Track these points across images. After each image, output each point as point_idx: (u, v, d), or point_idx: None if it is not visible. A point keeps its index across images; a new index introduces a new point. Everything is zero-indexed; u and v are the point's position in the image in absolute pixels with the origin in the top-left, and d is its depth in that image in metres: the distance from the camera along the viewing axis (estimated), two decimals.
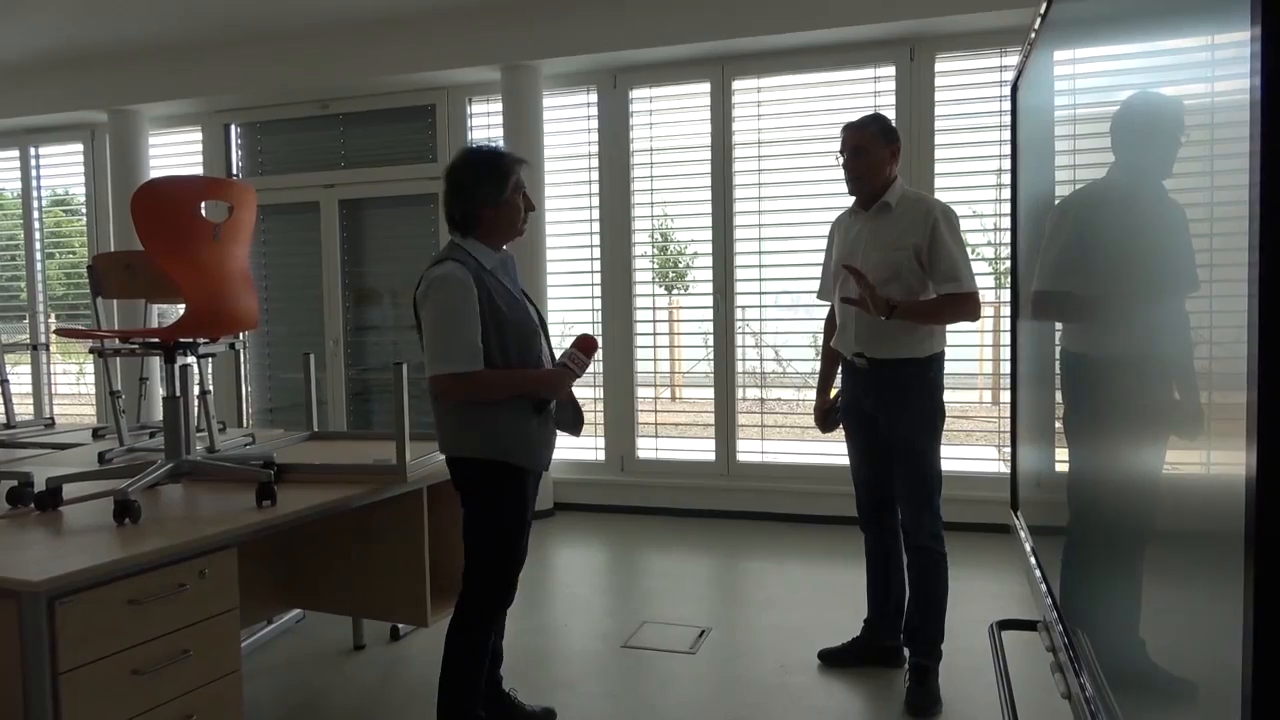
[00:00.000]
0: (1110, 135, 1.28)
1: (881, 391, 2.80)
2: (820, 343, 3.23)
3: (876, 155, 2.77)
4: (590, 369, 2.53)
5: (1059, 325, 1.79)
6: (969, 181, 4.82)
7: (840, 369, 3.00)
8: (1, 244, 6.87)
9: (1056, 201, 1.78)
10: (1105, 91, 1.38)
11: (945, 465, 2.86)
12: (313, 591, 3.17)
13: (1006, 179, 4.73)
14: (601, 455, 5.52)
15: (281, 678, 3.13)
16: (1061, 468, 1.70)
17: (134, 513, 2.19)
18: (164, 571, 2.00)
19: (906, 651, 2.91)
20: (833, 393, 3.08)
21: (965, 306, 2.73)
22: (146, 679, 1.95)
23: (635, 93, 5.37)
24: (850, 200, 2.92)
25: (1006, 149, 4.60)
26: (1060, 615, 1.58)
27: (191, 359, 2.72)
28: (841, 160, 2.83)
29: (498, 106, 5.48)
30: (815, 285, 3.16)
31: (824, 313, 3.18)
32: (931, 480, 2.80)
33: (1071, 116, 1.69)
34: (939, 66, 4.83)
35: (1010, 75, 2.86)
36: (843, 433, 3.03)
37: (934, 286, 2.74)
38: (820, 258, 3.10)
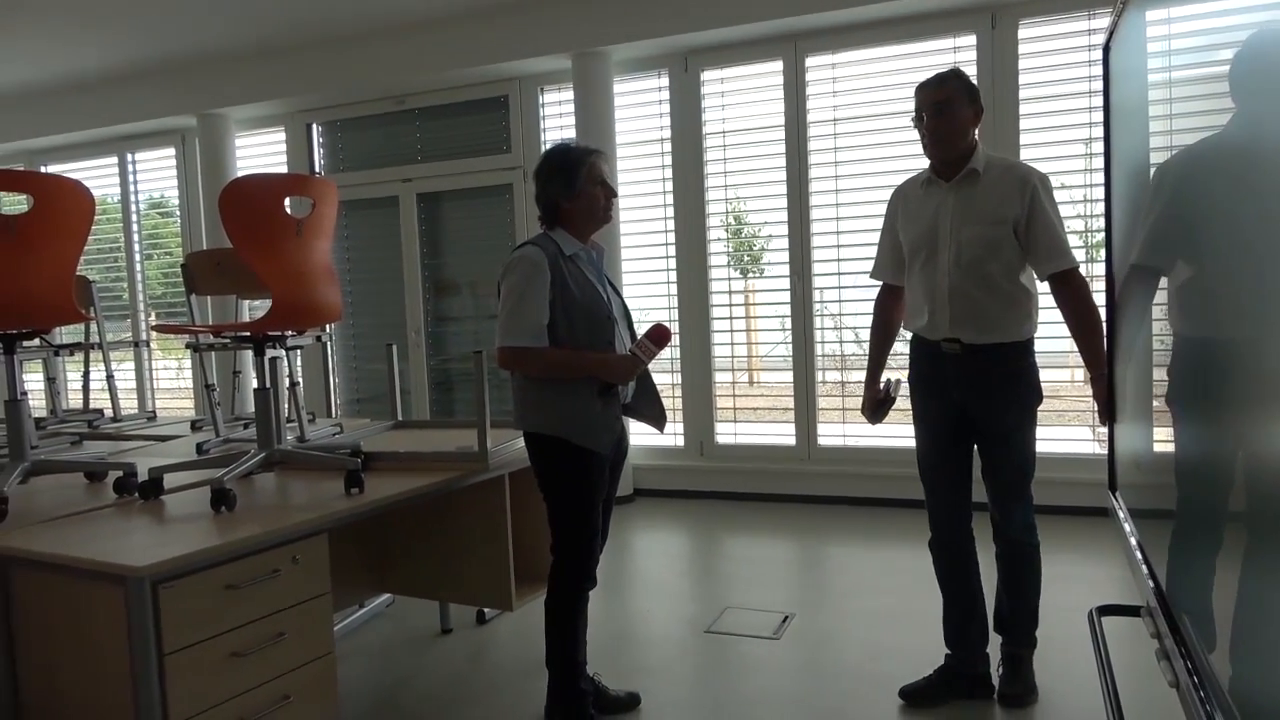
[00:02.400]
0: (1229, 81, 1.16)
1: (977, 378, 2.56)
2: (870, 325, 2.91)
3: (961, 113, 2.51)
4: (666, 354, 2.54)
5: (1163, 298, 1.68)
6: (1057, 152, 4.63)
7: (911, 356, 2.74)
8: (105, 248, 7.20)
9: (1156, 164, 1.67)
10: (1212, 50, 1.29)
11: (1037, 447, 2.67)
12: (401, 576, 3.24)
13: (1096, 148, 4.55)
14: (680, 441, 5.51)
15: (373, 660, 3.22)
16: (1165, 448, 1.62)
17: (230, 501, 2.27)
18: (259, 557, 2.07)
19: (1000, 641, 2.77)
20: (882, 381, 2.83)
21: (1081, 288, 2.53)
22: (245, 661, 2.02)
23: (707, 74, 5.32)
24: (905, 172, 2.72)
25: (1096, 116, 4.43)
26: (1165, 601, 1.51)
27: (280, 351, 2.80)
28: (919, 123, 2.57)
29: (569, 95, 5.49)
30: None
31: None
32: (1027, 470, 2.62)
33: (1168, 79, 1.60)
34: (1023, 33, 4.65)
35: (1100, 38, 2.73)
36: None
37: (1038, 265, 2.51)
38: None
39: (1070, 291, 2.52)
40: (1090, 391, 2.59)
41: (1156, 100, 1.70)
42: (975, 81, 2.62)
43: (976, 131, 2.59)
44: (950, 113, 2.51)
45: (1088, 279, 2.64)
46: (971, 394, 2.59)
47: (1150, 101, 1.75)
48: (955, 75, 2.58)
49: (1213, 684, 1.18)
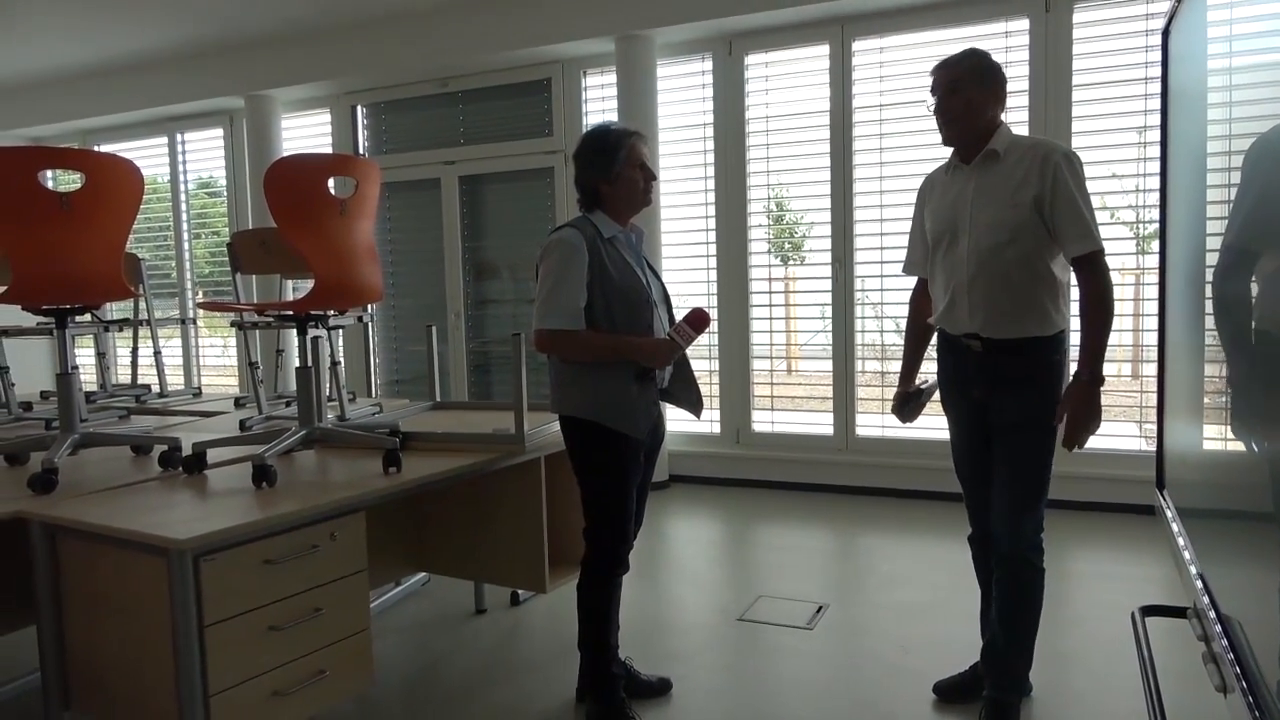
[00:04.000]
0: None
1: (997, 376, 2.44)
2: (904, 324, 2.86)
3: (973, 94, 2.41)
4: (704, 341, 2.51)
5: (1255, 294, 1.58)
6: (1110, 140, 4.51)
7: (938, 350, 2.64)
8: (154, 227, 7.34)
9: (1251, 143, 1.57)
10: None
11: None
12: (437, 556, 3.27)
13: (1150, 136, 4.42)
14: (717, 428, 5.49)
15: (407, 638, 3.26)
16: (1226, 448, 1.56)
17: (270, 477, 2.30)
18: (298, 533, 2.09)
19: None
20: (916, 380, 2.76)
21: (1104, 276, 2.35)
22: (283, 634, 2.05)
23: (751, 58, 5.26)
24: (931, 162, 2.62)
25: (1152, 104, 4.31)
26: (1214, 602, 1.47)
27: (322, 331, 2.83)
28: (932, 105, 2.47)
29: (612, 78, 5.47)
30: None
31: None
32: (1042, 479, 2.44)
33: (1229, 66, 1.53)
34: (1078, 17, 4.53)
35: (1159, 23, 2.65)
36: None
37: (1064, 246, 2.35)
38: None
39: (1091, 277, 2.35)
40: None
41: (1218, 87, 1.64)
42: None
43: (999, 111, 2.47)
44: (961, 93, 2.42)
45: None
46: (991, 392, 2.47)
47: (1212, 88, 1.69)
48: (967, 55, 2.48)
49: (1263, 690, 1.15)
